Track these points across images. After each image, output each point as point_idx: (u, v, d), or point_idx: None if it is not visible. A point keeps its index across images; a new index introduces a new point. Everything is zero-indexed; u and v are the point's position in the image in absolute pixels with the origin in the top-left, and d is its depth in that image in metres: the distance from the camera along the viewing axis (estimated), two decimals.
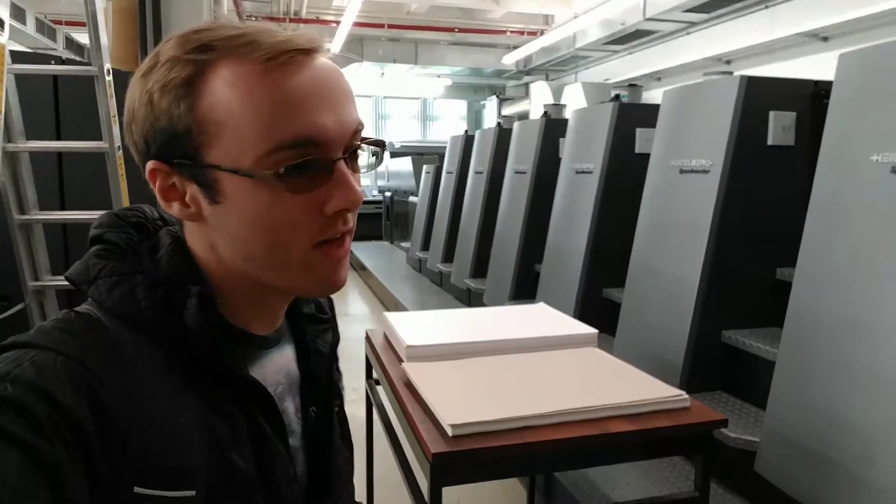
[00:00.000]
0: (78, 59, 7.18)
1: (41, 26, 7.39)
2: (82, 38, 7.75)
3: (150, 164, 0.56)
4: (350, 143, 0.56)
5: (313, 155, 0.53)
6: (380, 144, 0.61)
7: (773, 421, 1.89)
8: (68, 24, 7.78)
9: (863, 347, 1.64)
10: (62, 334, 0.51)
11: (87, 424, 0.47)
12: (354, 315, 6.03)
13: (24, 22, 6.82)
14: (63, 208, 2.51)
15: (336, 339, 0.73)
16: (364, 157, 0.60)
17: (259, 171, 0.52)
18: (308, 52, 0.54)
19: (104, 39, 2.01)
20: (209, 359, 0.56)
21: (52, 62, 2.39)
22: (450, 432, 1.25)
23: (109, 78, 2.00)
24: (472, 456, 1.23)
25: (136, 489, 0.50)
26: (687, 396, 1.41)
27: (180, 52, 0.54)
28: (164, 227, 0.63)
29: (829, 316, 1.76)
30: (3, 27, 1.63)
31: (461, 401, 1.38)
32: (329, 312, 0.74)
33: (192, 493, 0.52)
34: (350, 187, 0.55)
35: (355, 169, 0.58)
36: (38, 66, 2.12)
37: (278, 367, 0.65)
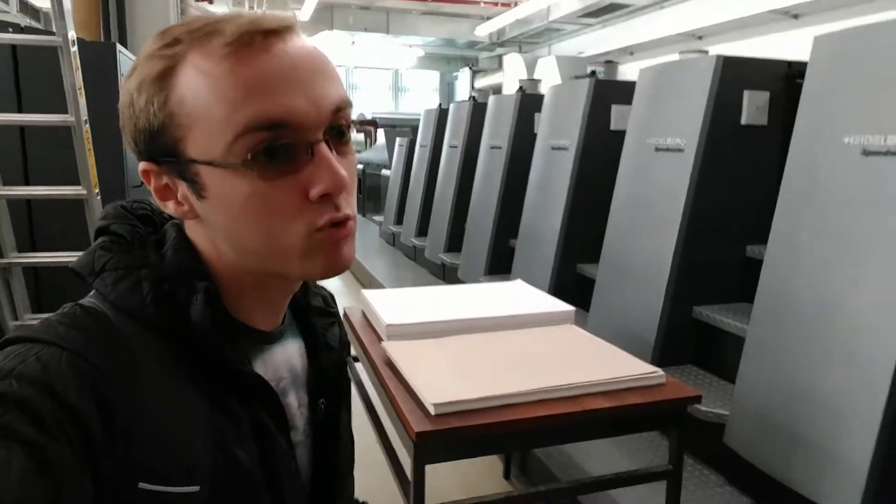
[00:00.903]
0: (35, 24, 6.87)
1: None
2: (38, 1, 7.39)
3: (140, 166, 0.55)
4: (332, 122, 0.53)
5: (285, 138, 0.51)
6: (370, 124, 0.59)
7: (742, 395, 1.96)
8: None
9: (831, 324, 1.69)
10: (67, 329, 0.51)
11: (92, 421, 0.47)
12: (329, 290, 6.00)
13: None
14: (27, 183, 2.43)
15: (343, 333, 0.73)
16: (352, 136, 0.57)
17: (228, 160, 0.50)
18: (274, 32, 0.52)
19: (67, 6, 1.93)
20: (214, 354, 0.55)
21: (10, 30, 2.28)
22: (432, 411, 1.26)
23: (75, 48, 1.93)
24: (454, 434, 1.25)
25: (141, 485, 0.49)
26: (662, 373, 1.44)
27: (153, 50, 0.53)
28: (171, 219, 0.62)
29: (798, 293, 1.81)
30: None
31: (442, 380, 1.39)
32: (334, 307, 0.74)
33: (197, 488, 0.52)
34: (331, 169, 0.52)
35: (343, 151, 0.55)
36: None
37: (281, 361, 0.64)
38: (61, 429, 0.45)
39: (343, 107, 0.54)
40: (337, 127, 0.54)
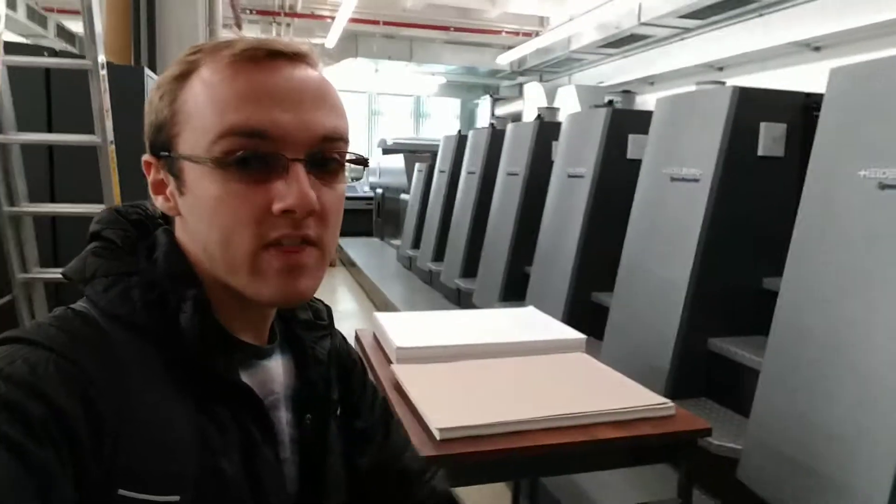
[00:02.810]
0: (70, 48, 7.10)
1: (32, 13, 7.30)
2: (74, 26, 7.64)
3: (143, 157, 0.59)
4: (318, 149, 0.55)
5: (263, 149, 0.53)
6: (360, 162, 0.60)
7: (756, 429, 1.92)
8: (60, 11, 7.69)
9: (846, 358, 1.67)
10: (57, 331, 0.51)
11: (79, 424, 0.47)
12: (343, 312, 6.02)
13: (14, 8, 6.73)
14: (53, 201, 2.49)
15: (335, 346, 0.72)
16: (335, 167, 0.58)
17: (204, 157, 0.53)
18: (281, 54, 0.55)
19: (99, 30, 2.00)
20: (202, 363, 0.56)
21: (45, 53, 2.37)
22: (437, 436, 1.26)
23: (104, 72, 1.99)
24: (459, 460, 1.25)
25: (121, 491, 0.49)
26: (672, 404, 1.43)
27: (181, 57, 0.58)
28: (162, 224, 0.63)
29: (813, 326, 1.78)
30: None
31: (449, 404, 1.39)
32: (327, 319, 0.73)
33: (177, 497, 0.51)
34: (300, 189, 0.53)
35: (327, 180, 0.56)
36: (30, 58, 2.10)
37: (271, 376, 0.64)
38: (47, 432, 0.45)
39: (334, 138, 0.56)
40: (322, 155, 0.55)
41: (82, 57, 2.02)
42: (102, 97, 1.99)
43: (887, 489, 1.49)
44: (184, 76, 0.56)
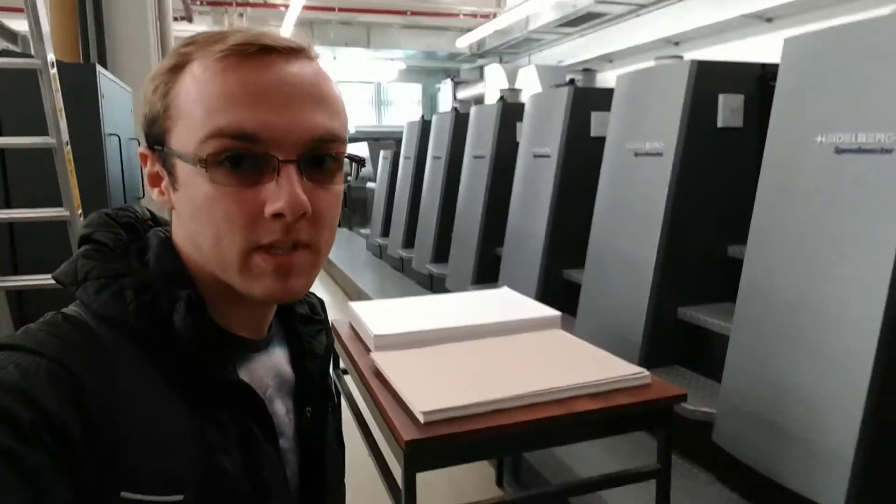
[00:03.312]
0: (13, 47, 6.83)
1: None
2: (15, 24, 7.34)
3: (139, 149, 0.59)
4: (311, 149, 0.53)
5: (253, 151, 0.51)
6: (356, 160, 0.60)
7: (728, 393, 1.98)
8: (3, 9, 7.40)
9: (811, 321, 1.73)
10: (48, 336, 0.50)
11: (72, 429, 0.46)
12: None
13: None
14: (9, 207, 2.41)
15: (330, 341, 0.73)
16: (331, 167, 0.56)
17: (193, 156, 0.52)
18: (273, 49, 0.53)
19: (46, 29, 1.93)
20: (198, 363, 0.55)
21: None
22: (421, 419, 1.27)
23: (54, 71, 1.93)
24: (444, 441, 1.26)
25: (123, 494, 0.49)
26: (648, 373, 1.46)
27: (175, 48, 0.57)
28: (154, 227, 0.62)
29: (778, 291, 1.84)
30: None
31: (431, 388, 1.40)
32: (322, 314, 0.73)
33: (181, 497, 0.51)
34: (291, 191, 0.51)
35: (321, 180, 0.54)
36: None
37: (267, 369, 0.64)
38: (40, 437, 0.45)
39: (329, 139, 0.54)
40: (315, 155, 0.54)
41: (30, 56, 1.95)
42: (55, 96, 1.92)
43: (852, 445, 1.56)
44: (176, 69, 0.54)
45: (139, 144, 0.59)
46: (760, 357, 1.88)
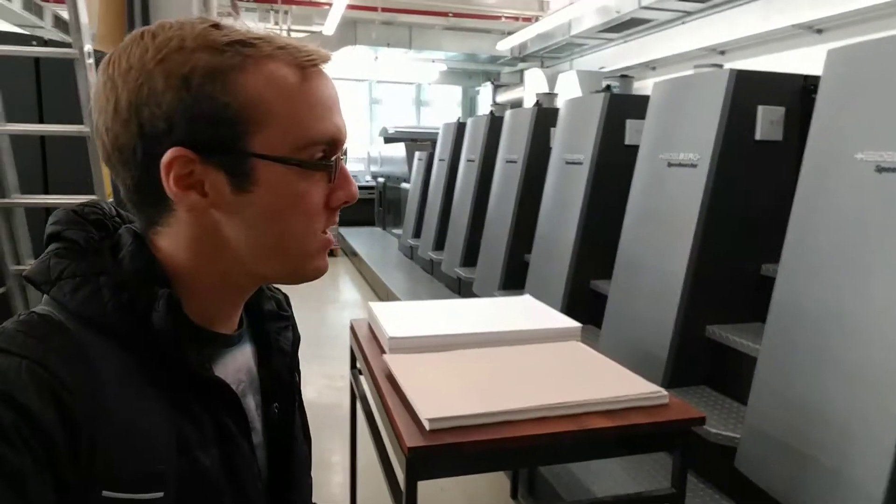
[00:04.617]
0: (66, 38, 7.06)
1: (28, 4, 7.26)
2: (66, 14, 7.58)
3: (174, 151, 0.54)
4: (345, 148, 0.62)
5: (334, 153, 0.59)
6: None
7: (754, 417, 1.90)
8: (55, 1, 7.65)
9: (844, 344, 1.64)
10: (25, 337, 0.50)
11: (54, 430, 0.47)
12: (345, 302, 6.02)
13: None
14: (47, 193, 2.47)
15: (297, 337, 0.74)
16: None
17: (293, 159, 0.56)
18: (325, 62, 0.59)
19: (84, 19, 1.97)
20: (176, 361, 0.56)
21: (34, 43, 2.34)
22: (427, 426, 1.25)
23: (91, 60, 1.97)
24: (448, 450, 1.23)
25: (105, 493, 0.50)
26: (665, 393, 1.41)
27: (216, 44, 0.55)
28: (123, 224, 0.62)
29: (811, 312, 1.76)
30: None
31: (440, 394, 1.37)
32: (288, 310, 0.75)
33: (161, 494, 0.52)
34: (352, 183, 0.61)
35: None
36: (14, 47, 2.08)
37: (239, 364, 0.65)
38: (22, 438, 0.45)
39: None
40: (345, 150, 0.63)
41: (68, 45, 2.00)
42: (89, 86, 1.96)
43: (885, 478, 1.48)
44: (240, 71, 0.54)
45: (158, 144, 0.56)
46: (788, 381, 1.80)
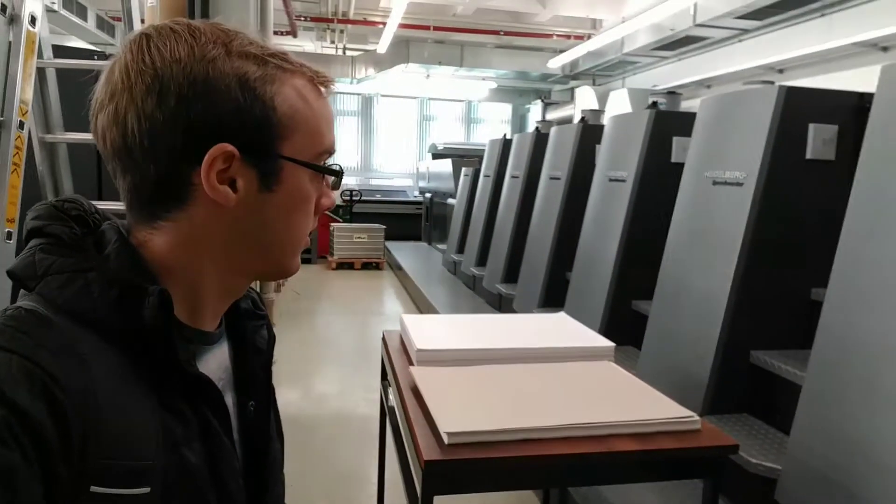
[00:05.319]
0: (110, 41, 7.43)
1: (101, 23, 7.66)
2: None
3: (222, 147, 0.56)
4: None
5: (331, 163, 0.65)
6: None
7: (796, 448, 1.81)
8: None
9: (892, 375, 1.55)
10: (14, 332, 0.50)
11: (46, 426, 0.47)
12: (388, 315, 6.06)
13: (85, 18, 7.08)
14: (101, 199, 2.59)
15: (272, 336, 0.75)
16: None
17: (318, 165, 0.63)
18: (333, 85, 0.66)
19: (138, 27, 2.07)
20: (165, 357, 0.56)
21: (95, 57, 2.47)
22: (446, 440, 1.23)
23: None
24: (466, 465, 1.22)
25: (93, 488, 0.50)
26: (697, 418, 1.36)
27: (261, 54, 0.60)
28: (103, 220, 0.62)
29: (859, 341, 1.67)
30: (34, 23, 1.69)
31: (463, 408, 1.36)
32: (263, 308, 0.76)
33: (147, 489, 0.52)
34: (334, 192, 0.68)
35: None
36: (74, 60, 2.19)
37: (219, 362, 0.67)
38: (13, 434, 0.45)
39: None
40: None
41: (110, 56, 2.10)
42: None
43: None
44: (276, 80, 0.59)
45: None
46: (834, 412, 1.70)
